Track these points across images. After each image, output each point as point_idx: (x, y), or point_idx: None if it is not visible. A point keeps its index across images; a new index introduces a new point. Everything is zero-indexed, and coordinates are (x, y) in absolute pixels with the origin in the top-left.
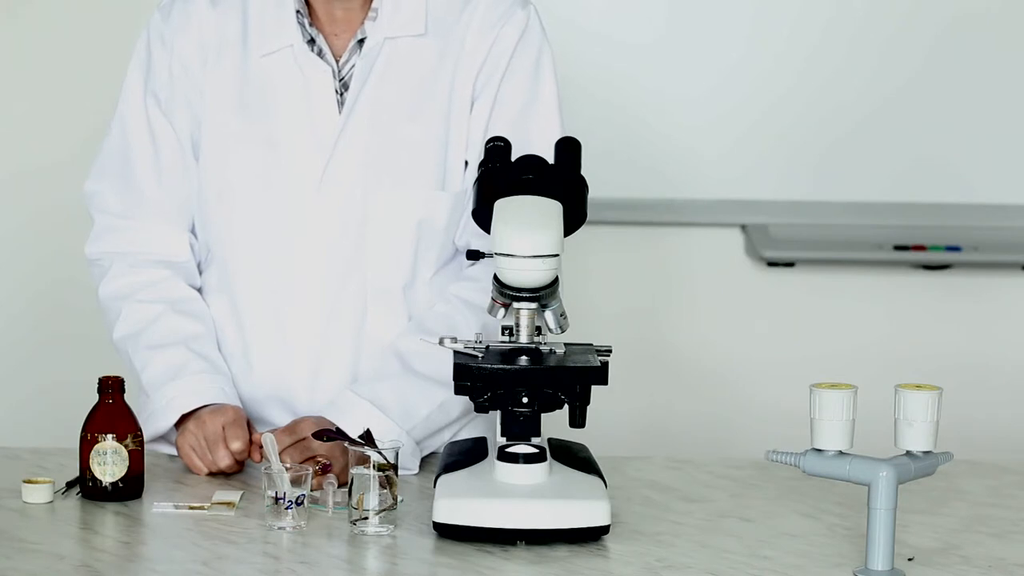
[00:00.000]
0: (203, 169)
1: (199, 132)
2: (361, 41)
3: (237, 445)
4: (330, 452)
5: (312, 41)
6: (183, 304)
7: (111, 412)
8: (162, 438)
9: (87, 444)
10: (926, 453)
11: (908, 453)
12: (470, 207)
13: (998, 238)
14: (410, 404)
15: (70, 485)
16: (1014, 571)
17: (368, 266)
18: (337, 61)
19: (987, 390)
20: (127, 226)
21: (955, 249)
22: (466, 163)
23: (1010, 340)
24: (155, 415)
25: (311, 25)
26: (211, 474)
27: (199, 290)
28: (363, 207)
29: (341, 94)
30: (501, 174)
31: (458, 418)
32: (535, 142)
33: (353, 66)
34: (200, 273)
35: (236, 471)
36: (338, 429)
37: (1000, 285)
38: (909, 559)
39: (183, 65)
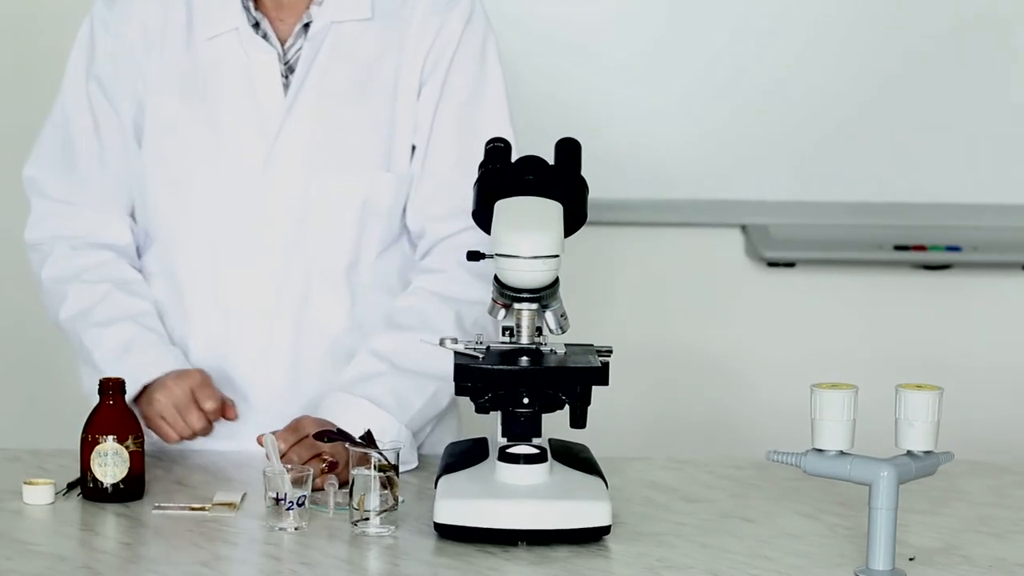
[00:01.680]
0: (147, 153)
1: (142, 116)
2: (307, 25)
3: (210, 404)
4: (335, 449)
5: (257, 25)
6: (129, 285)
7: (112, 413)
8: None
9: (88, 445)
10: (927, 453)
11: (909, 453)
12: (472, 206)
13: (998, 238)
14: (404, 398)
15: (71, 486)
16: (1015, 571)
17: (311, 247)
18: (283, 45)
19: (987, 390)
20: (68, 211)
21: (955, 249)
22: (413, 148)
23: (1010, 340)
24: None
25: (256, 9)
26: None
27: (140, 271)
28: (307, 189)
29: (286, 77)
30: (501, 175)
31: (446, 408)
32: (483, 127)
33: (299, 49)
34: (140, 257)
35: (208, 433)
36: (339, 430)
37: (1000, 285)
38: (910, 559)
39: (126, 50)
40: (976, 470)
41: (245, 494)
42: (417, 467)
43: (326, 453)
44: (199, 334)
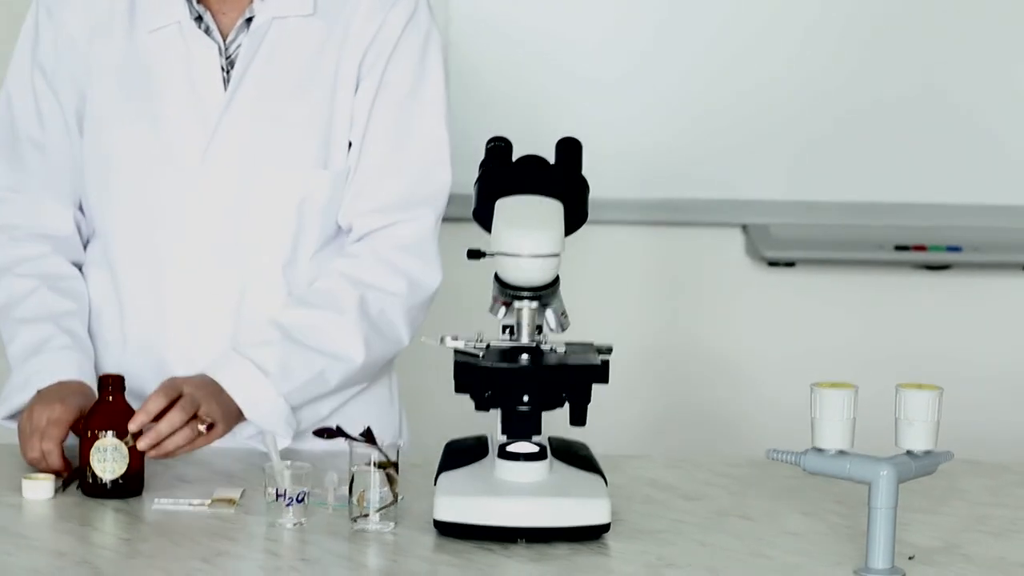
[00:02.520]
0: (87, 144)
1: (84, 107)
2: (249, 20)
3: (47, 445)
4: (210, 409)
5: (200, 18)
6: (59, 281)
7: (111, 409)
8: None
9: (87, 441)
10: (926, 452)
11: (908, 452)
12: (476, 206)
13: (998, 238)
14: (289, 369)
15: (68, 481)
16: (1014, 570)
17: (248, 243)
18: (224, 39)
19: (987, 390)
20: (13, 199)
21: (955, 249)
22: (349, 144)
23: (1010, 340)
24: (14, 391)
25: (199, 2)
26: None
27: (82, 264)
28: (245, 184)
29: (227, 72)
30: (502, 174)
31: (336, 388)
32: (417, 125)
33: (240, 44)
34: (85, 248)
35: (46, 469)
36: (338, 427)
37: (1000, 285)
38: (910, 558)
39: (70, 39)
40: (975, 469)
41: (244, 490)
42: (413, 463)
43: (203, 414)
44: (134, 329)
